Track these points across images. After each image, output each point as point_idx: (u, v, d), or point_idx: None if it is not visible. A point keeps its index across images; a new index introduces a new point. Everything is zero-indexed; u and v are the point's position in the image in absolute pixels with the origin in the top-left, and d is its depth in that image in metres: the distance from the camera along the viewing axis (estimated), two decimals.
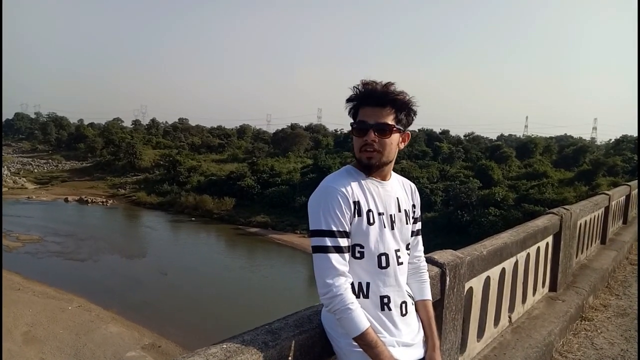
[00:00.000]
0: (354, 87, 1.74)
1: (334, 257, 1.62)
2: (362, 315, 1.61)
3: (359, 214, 1.68)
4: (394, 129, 1.72)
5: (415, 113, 1.78)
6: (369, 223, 1.70)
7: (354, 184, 1.71)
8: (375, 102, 1.70)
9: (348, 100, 1.77)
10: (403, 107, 1.74)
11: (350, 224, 1.67)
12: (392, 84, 1.72)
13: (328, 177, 1.76)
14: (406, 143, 1.81)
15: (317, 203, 1.67)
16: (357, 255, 1.70)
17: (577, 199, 28.01)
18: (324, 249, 1.63)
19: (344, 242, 1.64)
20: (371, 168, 1.75)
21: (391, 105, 1.71)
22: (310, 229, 1.67)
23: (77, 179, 67.90)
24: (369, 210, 1.70)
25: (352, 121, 1.78)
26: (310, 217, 1.68)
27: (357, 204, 1.68)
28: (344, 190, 1.67)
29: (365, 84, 1.72)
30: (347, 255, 1.66)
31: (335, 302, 1.60)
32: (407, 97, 1.73)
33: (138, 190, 59.18)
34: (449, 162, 55.27)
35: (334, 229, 1.63)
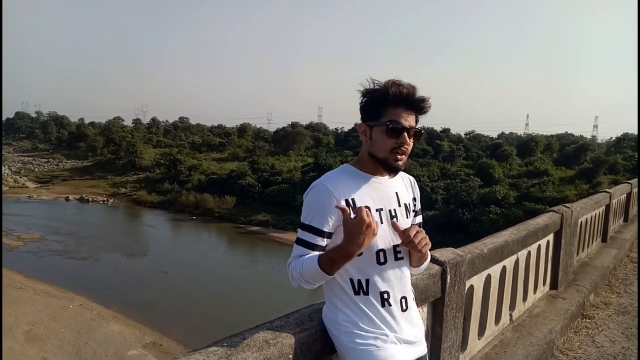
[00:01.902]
0: (383, 85, 1.70)
1: (304, 249, 1.67)
2: (310, 257, 1.63)
3: (354, 211, 1.68)
4: (420, 135, 1.76)
5: None
6: None
7: (349, 182, 1.72)
8: (410, 106, 1.70)
9: (373, 94, 1.71)
10: (424, 114, 1.76)
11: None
12: (416, 87, 1.72)
13: (324, 175, 1.76)
14: None
15: (307, 199, 1.71)
16: None
17: (578, 197, 28.00)
18: (299, 241, 1.69)
19: (318, 240, 1.67)
20: (398, 171, 1.77)
21: (417, 111, 1.73)
22: (300, 220, 1.73)
23: (78, 177, 67.96)
24: (365, 207, 1.69)
25: (376, 119, 1.71)
26: (302, 210, 1.73)
27: (351, 201, 1.68)
28: (333, 189, 1.67)
29: (398, 85, 1.68)
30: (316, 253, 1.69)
31: (295, 270, 1.65)
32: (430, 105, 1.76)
33: (139, 189, 59.21)
34: (449, 160, 55.19)
35: (313, 225, 1.67)
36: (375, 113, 1.72)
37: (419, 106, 1.71)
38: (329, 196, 1.66)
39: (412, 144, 1.73)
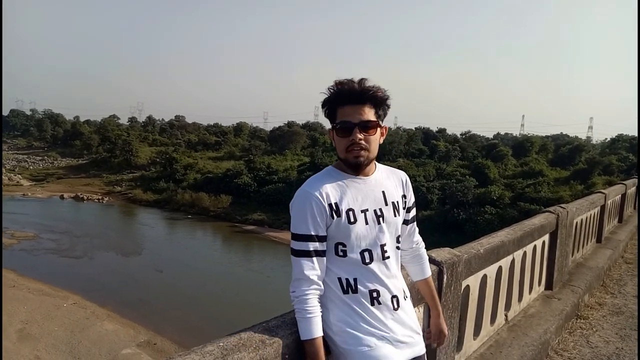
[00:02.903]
0: (328, 88, 1.73)
1: (306, 261, 1.65)
2: (317, 324, 1.62)
3: (338, 214, 1.68)
4: (378, 125, 1.73)
5: (389, 106, 1.78)
6: (349, 222, 1.69)
7: (332, 185, 1.71)
8: (355, 100, 1.70)
9: (325, 102, 1.75)
10: (382, 103, 1.74)
11: (329, 226, 1.68)
12: (367, 79, 1.71)
13: (307, 180, 1.76)
14: (384, 136, 1.81)
15: (294, 208, 1.70)
16: (340, 253, 1.70)
17: (572, 198, 28.13)
18: (297, 253, 1.66)
19: (316, 245, 1.66)
20: (360, 167, 1.74)
21: (371, 102, 1.71)
22: (291, 232, 1.71)
23: (73, 176, 67.59)
24: (349, 209, 1.70)
25: (334, 122, 1.76)
26: (291, 221, 1.71)
27: (334, 205, 1.68)
28: (318, 194, 1.67)
29: (340, 84, 1.71)
30: (320, 259, 1.67)
31: (297, 304, 1.64)
32: (385, 92, 1.73)
33: (134, 187, 58.95)
34: (445, 160, 55.24)
35: (307, 233, 1.65)
36: (331, 117, 1.76)
37: (370, 96, 1.70)
38: (311, 199, 1.66)
39: (373, 136, 1.72)
